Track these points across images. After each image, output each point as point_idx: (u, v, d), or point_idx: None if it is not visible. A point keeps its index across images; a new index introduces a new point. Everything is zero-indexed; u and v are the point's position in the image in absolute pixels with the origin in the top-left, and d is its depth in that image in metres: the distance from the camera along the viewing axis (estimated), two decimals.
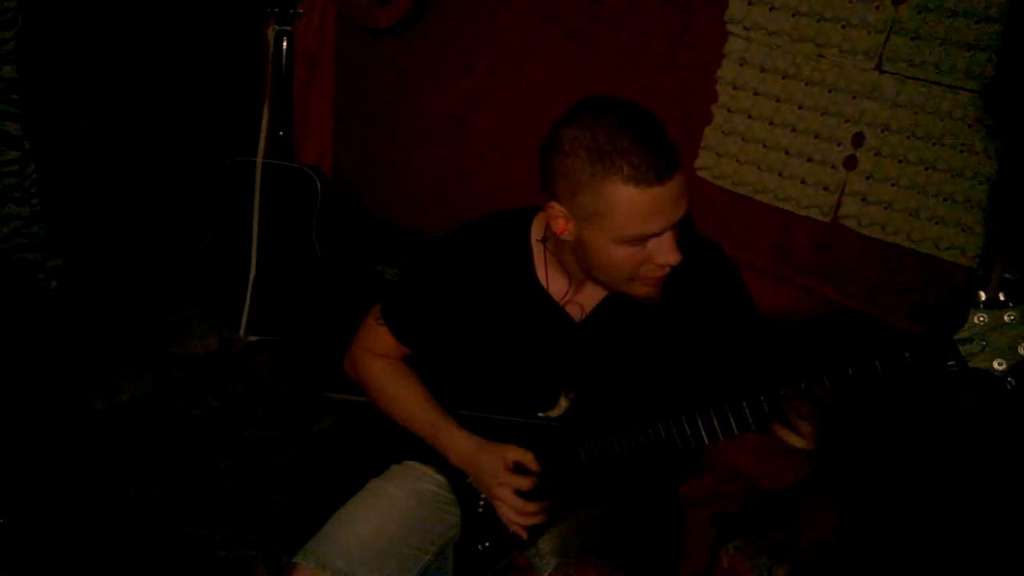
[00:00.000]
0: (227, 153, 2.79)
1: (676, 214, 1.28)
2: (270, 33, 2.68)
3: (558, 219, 1.33)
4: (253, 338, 2.86)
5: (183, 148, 2.97)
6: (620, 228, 1.27)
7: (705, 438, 1.35)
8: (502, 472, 1.47)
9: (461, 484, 1.58)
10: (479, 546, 1.54)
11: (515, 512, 1.46)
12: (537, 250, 1.49)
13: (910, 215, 1.87)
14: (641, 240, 1.28)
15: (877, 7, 1.81)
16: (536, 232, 1.50)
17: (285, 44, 2.68)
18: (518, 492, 1.46)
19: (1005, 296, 1.10)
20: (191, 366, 2.71)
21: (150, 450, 2.33)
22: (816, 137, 1.97)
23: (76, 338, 2.70)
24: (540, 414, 1.54)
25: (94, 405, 2.46)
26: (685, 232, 1.36)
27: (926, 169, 1.83)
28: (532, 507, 1.46)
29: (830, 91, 1.92)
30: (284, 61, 2.69)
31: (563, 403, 1.54)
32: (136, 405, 2.50)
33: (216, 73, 2.95)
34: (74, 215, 2.77)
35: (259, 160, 2.74)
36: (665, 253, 1.30)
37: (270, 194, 2.76)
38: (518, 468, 1.48)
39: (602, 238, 1.30)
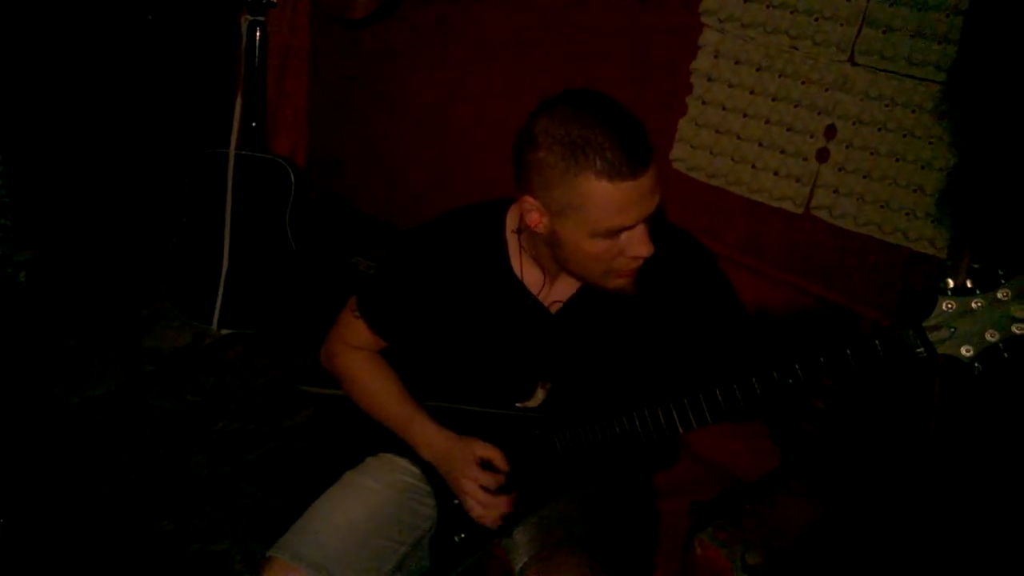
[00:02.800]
0: (199, 144, 2.76)
1: (649, 207, 1.29)
2: (243, 23, 2.65)
3: (532, 212, 1.33)
4: (226, 331, 2.84)
5: (154, 139, 2.93)
6: (594, 222, 1.27)
7: (680, 427, 1.36)
8: (468, 466, 1.48)
9: (437, 476, 1.57)
10: (455, 538, 1.54)
11: (479, 505, 1.47)
12: (512, 242, 1.49)
13: (881, 206, 1.89)
14: (614, 233, 1.29)
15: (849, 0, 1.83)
16: (511, 224, 1.49)
17: (258, 34, 2.66)
18: (484, 487, 1.47)
19: (972, 284, 1.12)
20: (163, 360, 2.69)
21: (122, 444, 2.31)
22: (789, 129, 1.98)
23: (47, 332, 2.67)
24: (518, 404, 1.55)
25: (66, 399, 2.43)
26: (657, 223, 1.37)
27: (896, 161, 1.85)
28: (495, 501, 1.47)
29: (803, 83, 1.94)
30: (257, 51, 2.67)
31: (540, 394, 1.54)
32: (108, 399, 2.47)
33: (188, 63, 2.92)
34: (43, 207, 2.73)
35: (231, 151, 2.71)
36: (637, 246, 1.31)
37: (243, 186, 2.73)
38: (486, 464, 1.49)
39: (576, 231, 1.30)
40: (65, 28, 2.60)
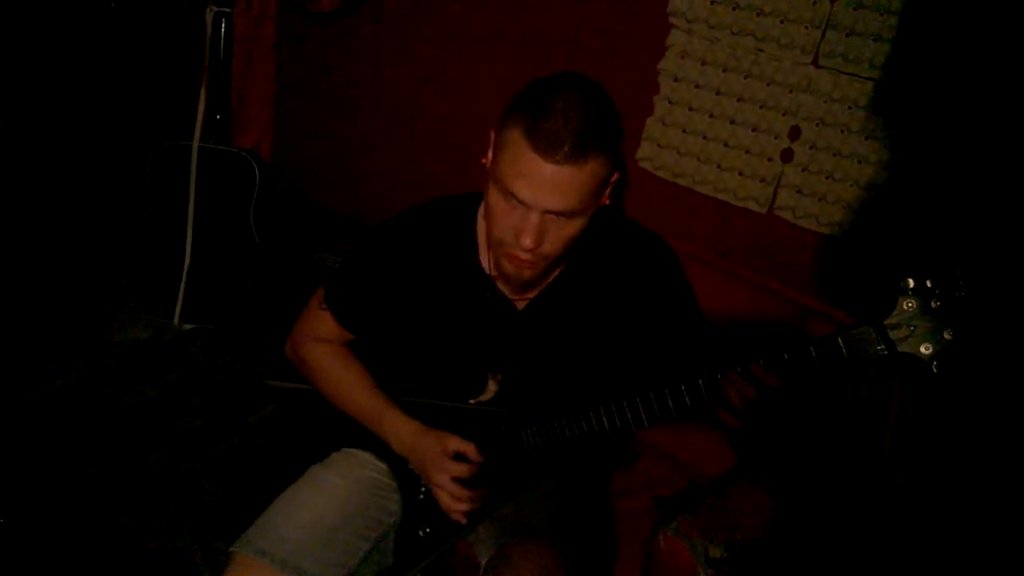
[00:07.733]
0: (162, 136, 2.72)
1: (544, 198, 1.27)
2: (208, 13, 2.62)
3: (489, 149, 1.36)
4: (188, 326, 2.80)
5: (117, 130, 2.88)
6: (500, 170, 1.29)
7: (646, 421, 1.36)
8: (441, 459, 1.47)
9: (402, 471, 1.57)
10: (420, 532, 1.54)
11: (452, 498, 1.47)
12: (482, 235, 1.50)
13: (843, 207, 1.92)
14: (508, 194, 1.29)
15: (814, 3, 1.85)
16: (481, 219, 1.50)
17: (223, 26, 2.63)
18: (457, 479, 1.47)
19: (932, 283, 1.14)
20: (124, 354, 2.65)
21: (81, 440, 2.27)
22: (754, 130, 2.01)
23: (4, 324, 2.61)
24: (472, 401, 1.55)
25: (23, 393, 2.38)
26: (622, 223, 1.38)
27: (859, 163, 1.88)
28: (467, 493, 1.47)
29: (768, 85, 1.96)
30: (222, 43, 2.64)
31: (492, 386, 1.54)
32: (67, 394, 2.43)
33: (152, 53, 2.87)
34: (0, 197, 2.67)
35: (195, 144, 2.68)
36: (520, 231, 1.30)
37: (206, 179, 2.70)
38: (458, 457, 1.49)
39: (494, 172, 1.32)
40: (23, 13, 2.55)
